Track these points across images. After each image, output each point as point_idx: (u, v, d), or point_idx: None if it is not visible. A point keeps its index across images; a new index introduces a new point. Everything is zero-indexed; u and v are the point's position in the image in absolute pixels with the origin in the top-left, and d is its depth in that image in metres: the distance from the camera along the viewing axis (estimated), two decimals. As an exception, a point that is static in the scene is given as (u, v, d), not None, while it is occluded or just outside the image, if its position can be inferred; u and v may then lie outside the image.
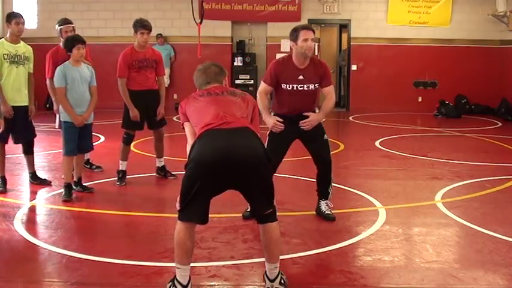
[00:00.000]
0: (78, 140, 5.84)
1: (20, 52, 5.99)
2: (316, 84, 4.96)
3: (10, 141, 6.11)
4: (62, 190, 5.80)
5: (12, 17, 5.94)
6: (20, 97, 6.01)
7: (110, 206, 5.63)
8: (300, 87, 4.90)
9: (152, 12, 14.00)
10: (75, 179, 5.99)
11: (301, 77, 4.89)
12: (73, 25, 6.70)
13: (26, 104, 6.08)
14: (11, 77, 5.91)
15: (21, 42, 6.07)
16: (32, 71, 6.17)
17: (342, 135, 11.81)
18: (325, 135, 5.08)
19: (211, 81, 3.81)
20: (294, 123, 4.96)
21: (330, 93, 5.05)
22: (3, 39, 6.00)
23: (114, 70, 6.41)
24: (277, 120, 4.90)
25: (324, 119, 5.13)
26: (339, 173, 7.10)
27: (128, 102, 6.36)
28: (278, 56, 9.40)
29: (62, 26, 6.62)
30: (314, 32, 4.94)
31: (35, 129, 6.28)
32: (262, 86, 5.01)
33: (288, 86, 4.90)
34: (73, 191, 5.87)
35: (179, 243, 3.43)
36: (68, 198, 5.69)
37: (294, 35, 4.87)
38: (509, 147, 9.43)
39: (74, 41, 5.80)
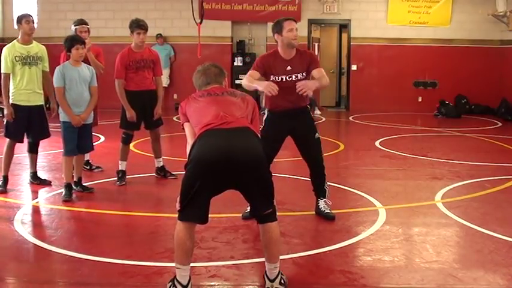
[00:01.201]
0: (77, 140, 5.85)
1: (33, 52, 6.03)
2: (304, 73, 4.99)
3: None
4: (62, 190, 5.80)
5: (22, 17, 6.03)
6: (35, 97, 6.06)
7: (110, 206, 5.63)
8: (289, 77, 4.94)
9: (152, 12, 14.02)
10: (75, 179, 5.99)
11: (289, 68, 4.94)
12: (88, 26, 6.80)
13: (41, 103, 6.15)
14: (24, 77, 5.96)
15: (34, 42, 6.12)
16: (47, 70, 6.21)
17: (342, 135, 11.82)
18: (317, 134, 5.10)
19: (211, 82, 3.82)
20: (286, 118, 4.98)
21: (321, 72, 4.97)
22: (15, 41, 6.05)
23: (114, 70, 6.41)
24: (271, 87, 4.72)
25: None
26: (339, 173, 7.11)
27: (124, 103, 6.36)
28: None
29: (77, 26, 6.73)
30: (296, 22, 5.01)
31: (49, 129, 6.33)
32: (249, 72, 4.97)
33: (277, 77, 4.93)
34: (73, 191, 5.87)
35: (179, 244, 3.43)
36: (68, 199, 5.69)
37: (278, 27, 4.95)
38: (509, 147, 9.43)
39: (72, 41, 5.81)
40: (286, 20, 4.98)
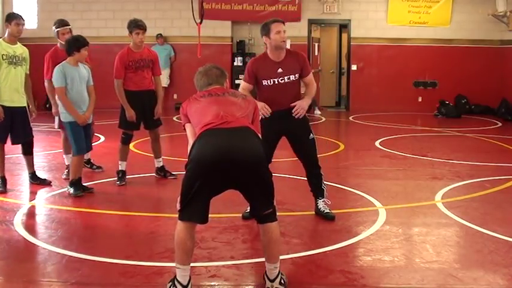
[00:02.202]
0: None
1: (18, 53, 5.99)
2: (297, 75, 4.98)
3: (9, 141, 6.10)
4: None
5: (13, 18, 5.93)
6: (18, 98, 6.01)
7: (110, 206, 5.63)
8: (281, 80, 4.92)
9: (152, 12, 14.03)
10: (75, 179, 5.99)
11: (280, 70, 4.92)
12: (70, 26, 6.65)
13: (24, 104, 6.09)
14: (9, 77, 5.90)
15: (18, 43, 6.06)
16: (28, 72, 6.16)
17: (342, 135, 11.81)
18: (312, 134, 5.08)
19: (213, 82, 3.82)
20: (280, 119, 4.94)
21: (311, 81, 5.09)
22: (0, 39, 6.00)
23: (113, 70, 6.40)
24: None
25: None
26: (339, 173, 7.11)
27: (124, 102, 6.37)
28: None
29: (58, 29, 6.58)
30: (284, 24, 4.97)
31: (33, 130, 6.25)
32: (242, 84, 5.04)
33: (268, 81, 4.92)
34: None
35: (179, 243, 3.43)
36: (80, 194, 5.72)
37: (266, 29, 4.92)
38: (509, 147, 9.43)
39: (83, 42, 5.82)
40: (274, 22, 4.93)
